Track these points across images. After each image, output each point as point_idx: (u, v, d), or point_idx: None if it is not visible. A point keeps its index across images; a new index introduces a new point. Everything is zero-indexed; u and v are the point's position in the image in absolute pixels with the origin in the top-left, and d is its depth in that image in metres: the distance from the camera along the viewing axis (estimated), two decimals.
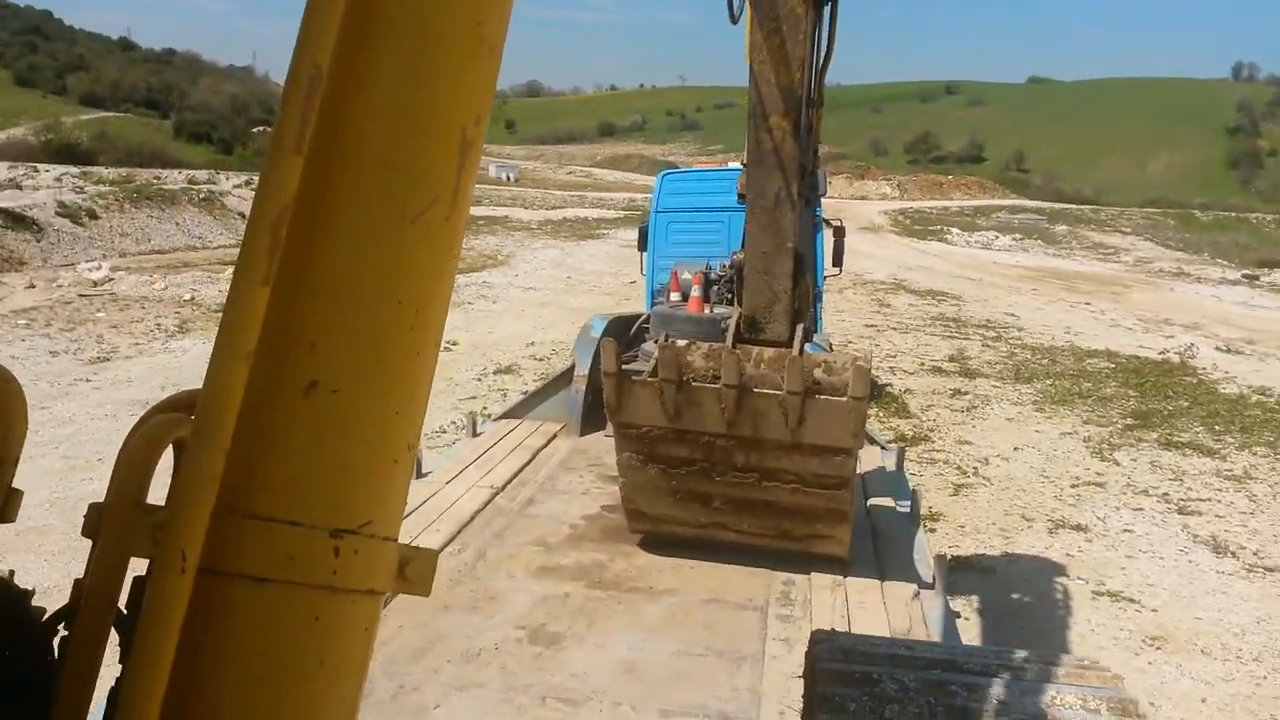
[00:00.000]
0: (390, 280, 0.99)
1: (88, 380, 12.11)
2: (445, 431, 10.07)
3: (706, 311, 7.07)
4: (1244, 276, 33.06)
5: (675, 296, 7.70)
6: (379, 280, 0.98)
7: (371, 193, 0.97)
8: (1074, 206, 74.16)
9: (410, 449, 1.05)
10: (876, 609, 4.13)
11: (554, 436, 6.43)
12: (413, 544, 1.04)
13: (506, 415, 6.82)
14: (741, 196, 4.36)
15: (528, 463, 5.88)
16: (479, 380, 12.79)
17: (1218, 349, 17.28)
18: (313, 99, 0.92)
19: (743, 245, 4.36)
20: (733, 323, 4.24)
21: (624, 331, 7.03)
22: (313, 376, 0.95)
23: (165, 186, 33.49)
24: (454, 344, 15.02)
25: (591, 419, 6.51)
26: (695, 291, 7.16)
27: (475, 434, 6.39)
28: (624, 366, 6.66)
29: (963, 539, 7.28)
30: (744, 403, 3.98)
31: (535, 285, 22.97)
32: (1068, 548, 7.18)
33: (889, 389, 12.75)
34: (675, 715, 3.27)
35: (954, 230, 50.87)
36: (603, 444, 6.28)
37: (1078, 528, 7.61)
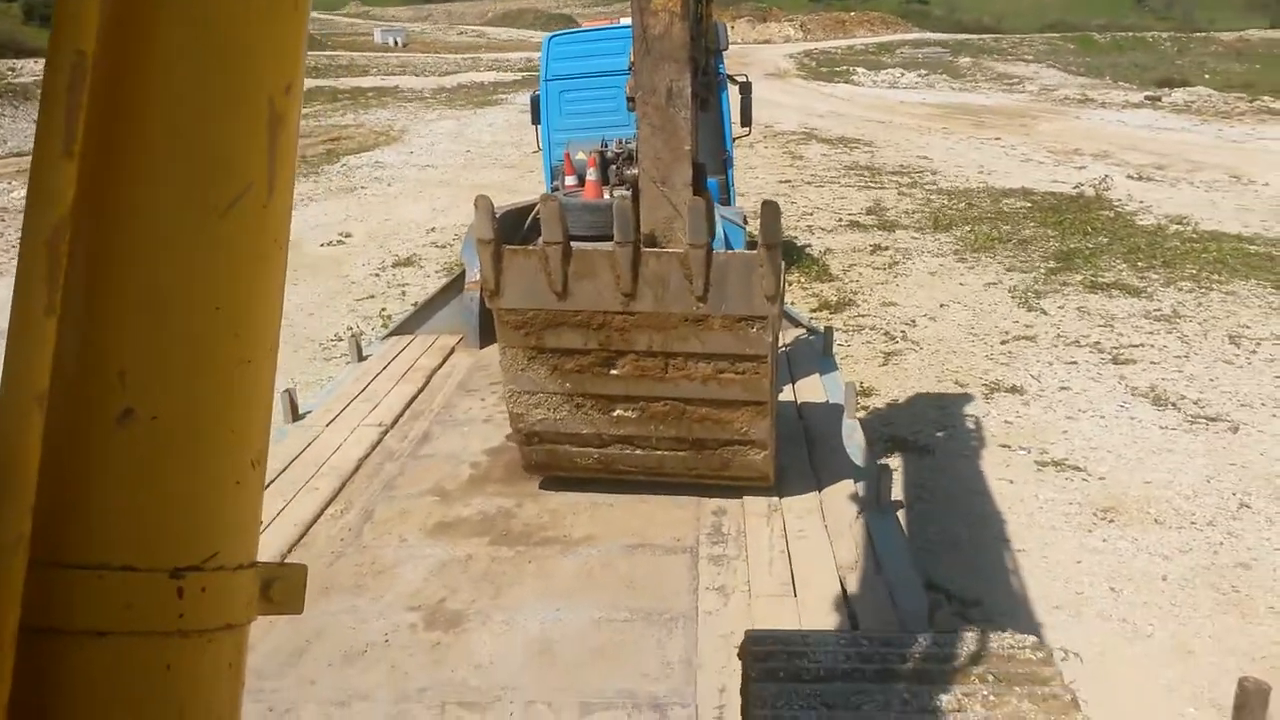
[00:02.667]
0: (202, 286, 0.89)
1: None
2: (340, 340, 9.29)
3: (605, 196, 6.36)
4: (1146, 98, 33.06)
5: (571, 180, 6.95)
6: (189, 288, 0.88)
7: (166, 190, 0.86)
8: (975, 36, 73.60)
9: (256, 465, 0.98)
10: (818, 537, 3.67)
11: (450, 352, 5.76)
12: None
13: (396, 332, 6.09)
14: (630, 101, 3.71)
15: (421, 389, 5.22)
16: (377, 275, 11.89)
17: (1129, 177, 17.17)
18: (78, 91, 0.80)
19: (635, 155, 3.71)
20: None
21: (517, 225, 6.29)
22: (126, 404, 0.87)
23: (18, 80, 30.56)
24: (348, 236, 14.01)
25: (490, 328, 5.84)
26: (591, 175, 6.43)
27: (361, 358, 5.68)
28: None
29: (896, 415, 6.90)
30: (641, 268, 3.42)
31: (432, 162, 21.66)
32: (1005, 414, 6.87)
33: (808, 250, 12.25)
34: (598, 710, 2.78)
35: (860, 70, 49.89)
36: None
37: (1013, 389, 7.30)
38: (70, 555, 0.85)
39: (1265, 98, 31.50)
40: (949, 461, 6.11)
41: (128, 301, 0.86)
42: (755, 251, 3.39)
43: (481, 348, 5.76)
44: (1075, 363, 7.87)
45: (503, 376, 3.82)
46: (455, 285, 6.15)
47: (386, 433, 4.66)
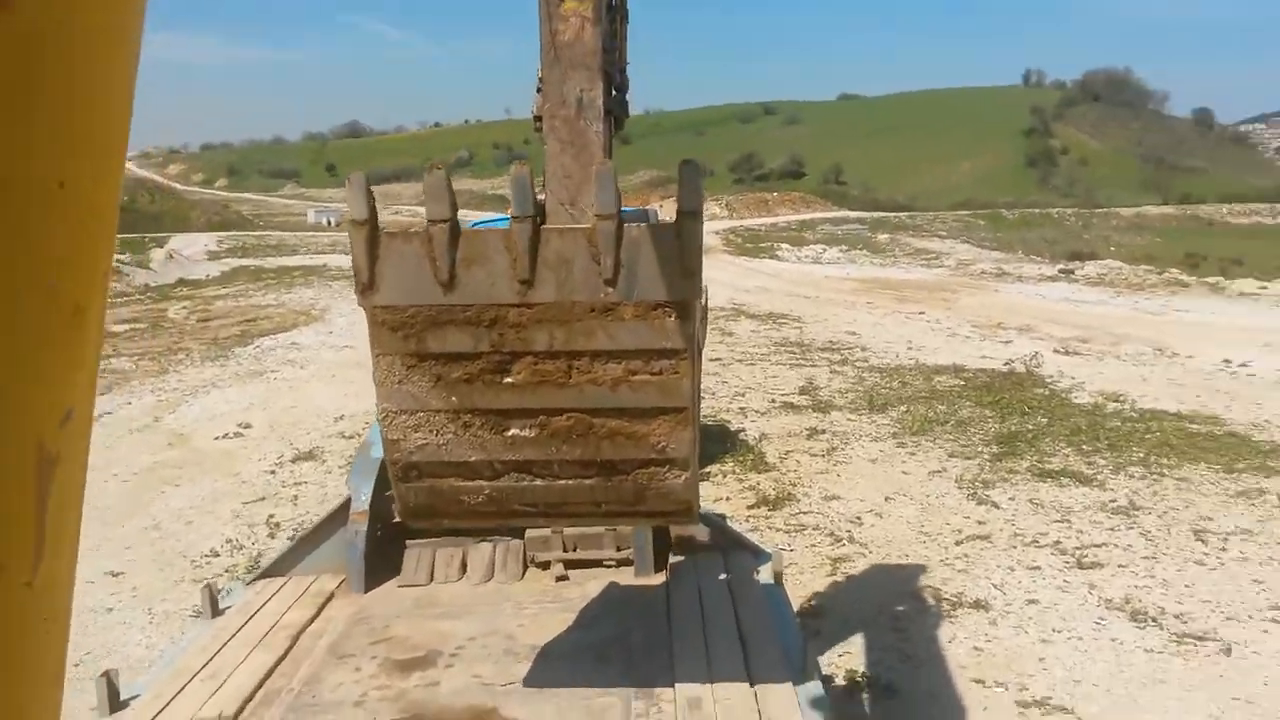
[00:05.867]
0: None
1: None
2: (218, 555, 8.19)
3: None
4: (1060, 271, 34.31)
5: None
6: None
7: None
8: (891, 214, 77.14)
9: None
10: None
11: (328, 599, 4.78)
12: None
13: (264, 574, 5.10)
14: (538, 120, 3.28)
15: (282, 657, 4.20)
16: (273, 473, 10.86)
17: (1056, 351, 17.16)
18: None
19: (543, 177, 3.22)
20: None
21: None
22: None
23: None
24: (247, 427, 13.01)
25: (379, 565, 4.91)
26: None
27: (216, 612, 4.66)
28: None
29: (852, 641, 6.04)
30: (542, 249, 2.92)
31: (351, 343, 20.89)
32: (973, 637, 6.06)
33: (742, 435, 11.61)
34: None
35: (784, 246, 51.43)
36: (393, 602, 4.69)
37: (977, 604, 6.52)
38: None
39: (1173, 270, 32.86)
40: (919, 705, 5.22)
41: None
42: (669, 222, 2.89)
43: (366, 591, 4.81)
44: (1038, 567, 7.16)
45: (376, 392, 3.16)
46: (339, 517, 5.22)
47: None
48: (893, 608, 6.53)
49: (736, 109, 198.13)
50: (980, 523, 8.21)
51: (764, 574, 4.72)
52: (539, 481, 3.23)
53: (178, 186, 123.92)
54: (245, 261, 43.95)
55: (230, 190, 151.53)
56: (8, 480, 0.69)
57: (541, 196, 3.18)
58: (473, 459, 3.19)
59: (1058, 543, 7.65)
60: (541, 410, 3.10)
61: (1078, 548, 7.52)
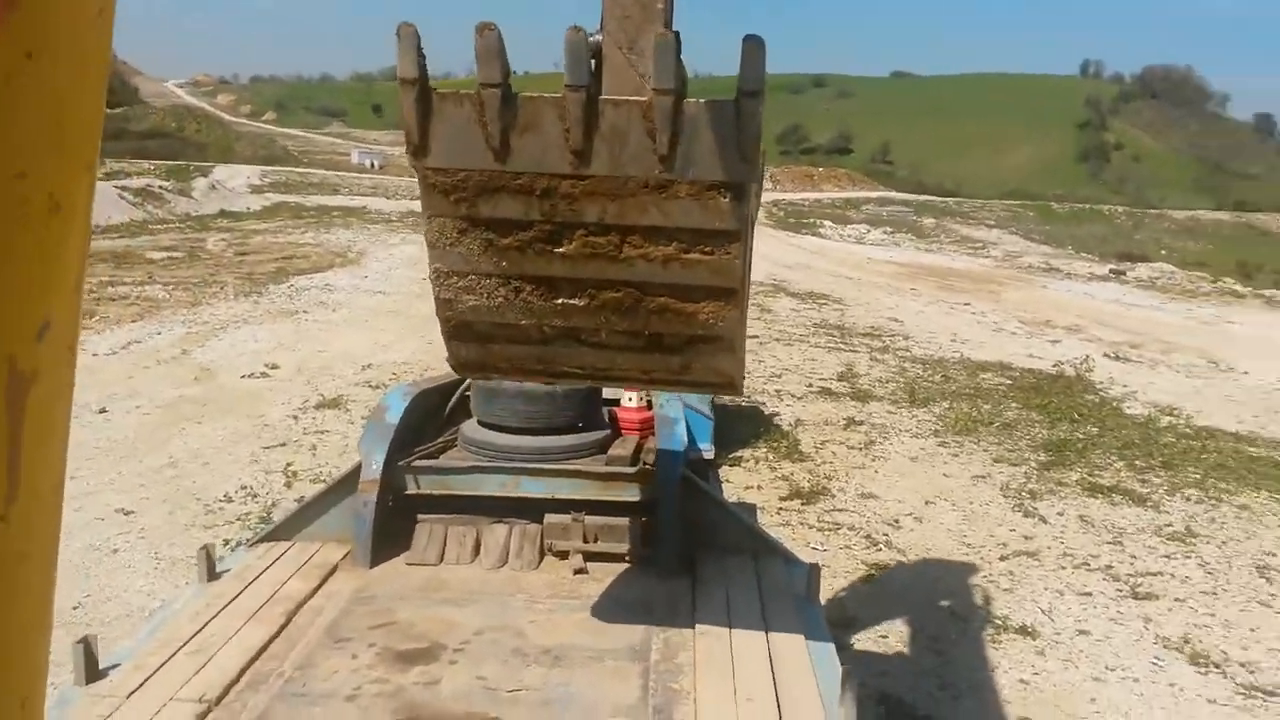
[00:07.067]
0: None
1: None
2: (231, 500, 7.93)
3: None
4: (1111, 272, 33.41)
5: None
6: None
7: None
8: (938, 199, 75.89)
9: None
10: None
11: (331, 572, 4.46)
12: None
13: (267, 538, 4.79)
14: None
15: (276, 634, 3.89)
16: (295, 418, 10.60)
17: (1106, 356, 16.57)
18: None
19: (601, 19, 2.96)
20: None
21: (438, 407, 5.12)
22: None
23: None
24: (275, 368, 12.78)
25: (387, 539, 4.57)
26: None
27: (212, 575, 4.35)
28: (428, 461, 4.87)
29: (888, 660, 5.67)
30: (596, 120, 2.80)
31: (385, 289, 20.70)
32: (1018, 666, 5.66)
33: (776, 420, 11.21)
34: None
35: (826, 223, 50.72)
36: (399, 581, 4.35)
37: (1023, 630, 6.11)
38: None
39: (1226, 279, 31.89)
40: None
41: None
42: (731, 100, 2.72)
43: (372, 566, 4.48)
44: (1089, 594, 6.73)
45: (428, 253, 3.08)
46: (349, 482, 4.89)
47: (207, 714, 3.33)
48: (932, 626, 6.14)
49: (786, 79, 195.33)
50: (1027, 538, 7.78)
51: (797, 586, 4.33)
52: (587, 348, 3.22)
53: (225, 117, 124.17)
54: (287, 198, 43.90)
55: (277, 125, 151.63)
56: None
57: (597, 37, 2.96)
58: (522, 322, 3.16)
59: (1109, 567, 7.21)
60: (591, 282, 3.03)
61: (1131, 575, 7.08)
